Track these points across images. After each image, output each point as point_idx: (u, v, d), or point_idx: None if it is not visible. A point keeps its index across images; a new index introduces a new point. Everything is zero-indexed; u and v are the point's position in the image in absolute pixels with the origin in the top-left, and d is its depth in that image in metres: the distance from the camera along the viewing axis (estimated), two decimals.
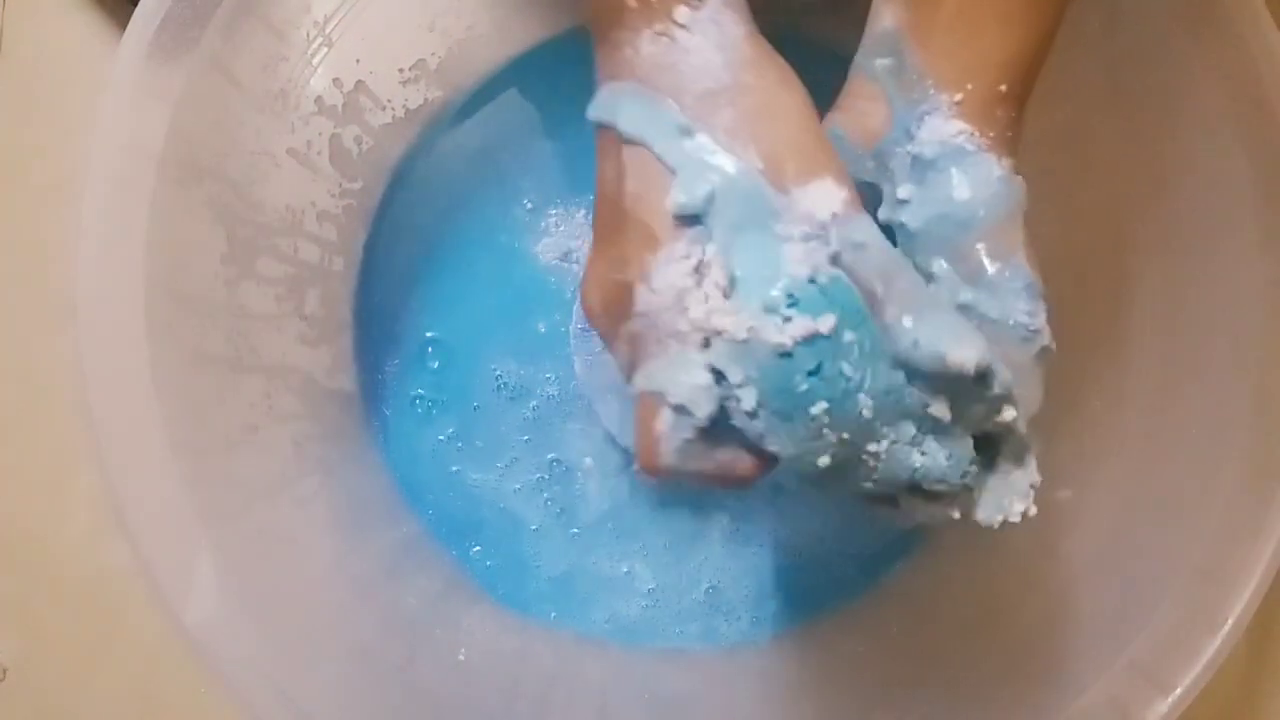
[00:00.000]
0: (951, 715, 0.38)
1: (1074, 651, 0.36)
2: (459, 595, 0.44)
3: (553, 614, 0.45)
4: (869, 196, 0.31)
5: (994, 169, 0.29)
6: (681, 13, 0.27)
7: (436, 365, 0.46)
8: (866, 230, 0.27)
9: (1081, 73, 0.38)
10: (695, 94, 0.27)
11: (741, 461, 0.28)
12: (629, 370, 0.29)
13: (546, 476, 0.45)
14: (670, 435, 0.27)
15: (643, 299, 0.27)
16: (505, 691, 0.41)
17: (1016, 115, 0.29)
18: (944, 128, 0.29)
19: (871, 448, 0.27)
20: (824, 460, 0.27)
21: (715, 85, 0.26)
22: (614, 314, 0.28)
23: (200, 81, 0.35)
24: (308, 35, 0.39)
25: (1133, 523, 0.38)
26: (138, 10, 0.33)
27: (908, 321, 0.26)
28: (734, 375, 0.26)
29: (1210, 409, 0.36)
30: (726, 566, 0.45)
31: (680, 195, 0.26)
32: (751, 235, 0.26)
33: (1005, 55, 0.29)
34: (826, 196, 0.26)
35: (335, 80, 0.41)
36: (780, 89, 0.27)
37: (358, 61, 0.42)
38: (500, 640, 0.44)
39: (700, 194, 0.26)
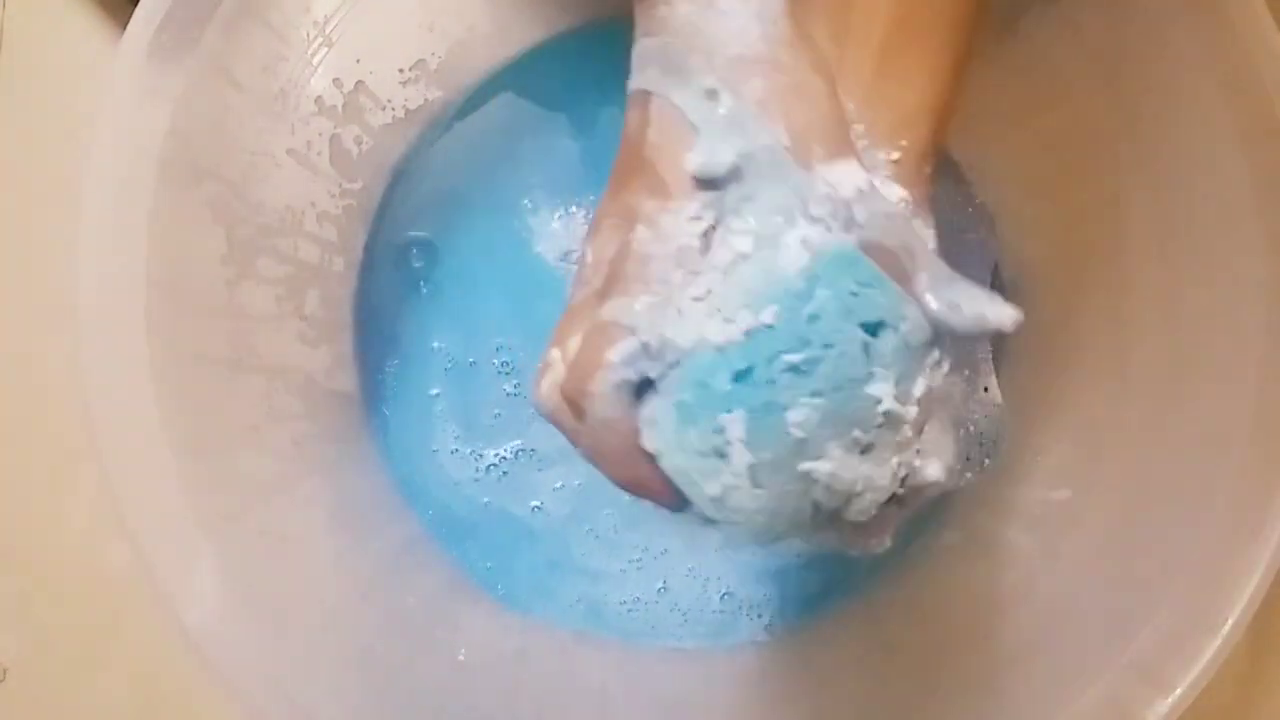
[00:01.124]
0: (951, 715, 0.38)
1: (1074, 651, 0.36)
2: (459, 595, 0.44)
3: (553, 614, 0.45)
4: None
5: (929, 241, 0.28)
6: None
7: (437, 365, 0.46)
8: (890, 207, 0.26)
9: (1081, 73, 0.38)
10: (727, 57, 0.26)
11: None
12: (597, 298, 0.27)
13: (547, 476, 0.45)
14: (617, 367, 0.25)
15: (641, 239, 0.26)
16: (505, 691, 0.41)
17: (934, 171, 0.28)
18: (880, 194, 0.27)
19: (805, 466, 0.25)
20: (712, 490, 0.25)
21: (749, 53, 0.26)
22: (608, 256, 0.28)
23: (200, 81, 0.35)
24: (308, 35, 0.39)
25: (1133, 523, 0.38)
26: (138, 10, 0.33)
27: (940, 289, 0.26)
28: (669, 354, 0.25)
29: (1210, 409, 0.36)
30: (727, 566, 0.45)
31: (700, 156, 0.25)
32: (764, 213, 0.25)
33: (937, 101, 0.28)
34: (851, 176, 0.26)
35: (335, 80, 0.41)
36: (813, 73, 0.27)
37: (358, 61, 0.42)
38: (500, 640, 0.44)
39: (722, 160, 0.25)
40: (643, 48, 0.27)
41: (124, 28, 0.33)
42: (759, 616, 0.45)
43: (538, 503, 0.45)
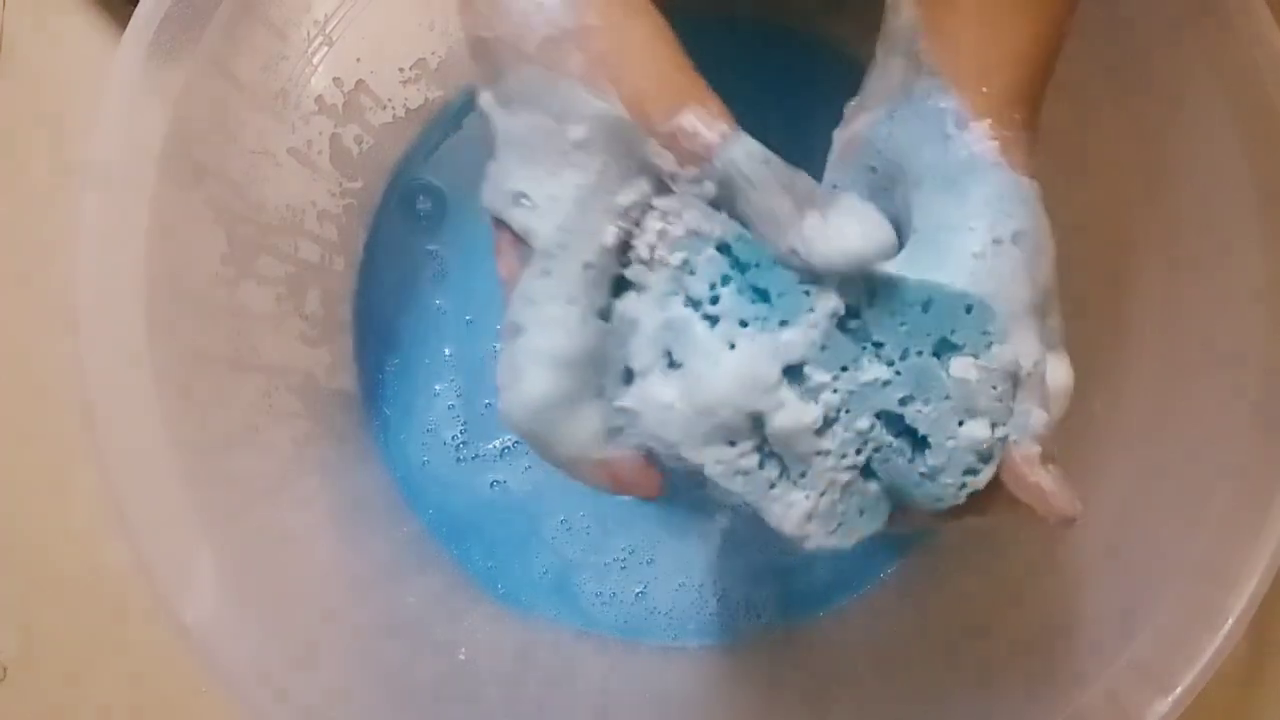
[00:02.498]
0: (952, 715, 0.38)
1: (1074, 651, 0.36)
2: (459, 595, 0.44)
3: (553, 613, 0.45)
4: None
5: (1014, 183, 0.27)
6: None
7: (437, 365, 0.46)
8: (751, 148, 0.25)
9: (1081, 72, 0.38)
10: (537, 43, 0.25)
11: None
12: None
13: (547, 476, 0.45)
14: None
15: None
16: (505, 690, 0.41)
17: (1032, 116, 0.28)
18: (960, 135, 0.27)
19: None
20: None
21: (556, 31, 0.25)
22: None
23: (200, 81, 0.34)
24: (308, 35, 0.39)
25: (1133, 522, 0.38)
26: (138, 10, 0.33)
27: (822, 218, 0.25)
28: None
29: (1210, 409, 0.36)
30: (727, 566, 0.45)
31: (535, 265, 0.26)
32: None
33: (1025, 48, 0.27)
34: (702, 127, 0.25)
35: (335, 80, 0.41)
36: (628, 23, 0.25)
37: (358, 61, 0.42)
38: (500, 639, 0.44)
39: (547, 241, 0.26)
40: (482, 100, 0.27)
41: (124, 28, 0.32)
42: (759, 617, 0.45)
43: (538, 502, 0.45)
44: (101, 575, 0.46)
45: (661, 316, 0.26)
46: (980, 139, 0.27)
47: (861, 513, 0.27)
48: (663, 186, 0.26)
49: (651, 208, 0.26)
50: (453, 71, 0.45)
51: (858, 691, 0.41)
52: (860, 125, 0.30)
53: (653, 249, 0.26)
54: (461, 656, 0.41)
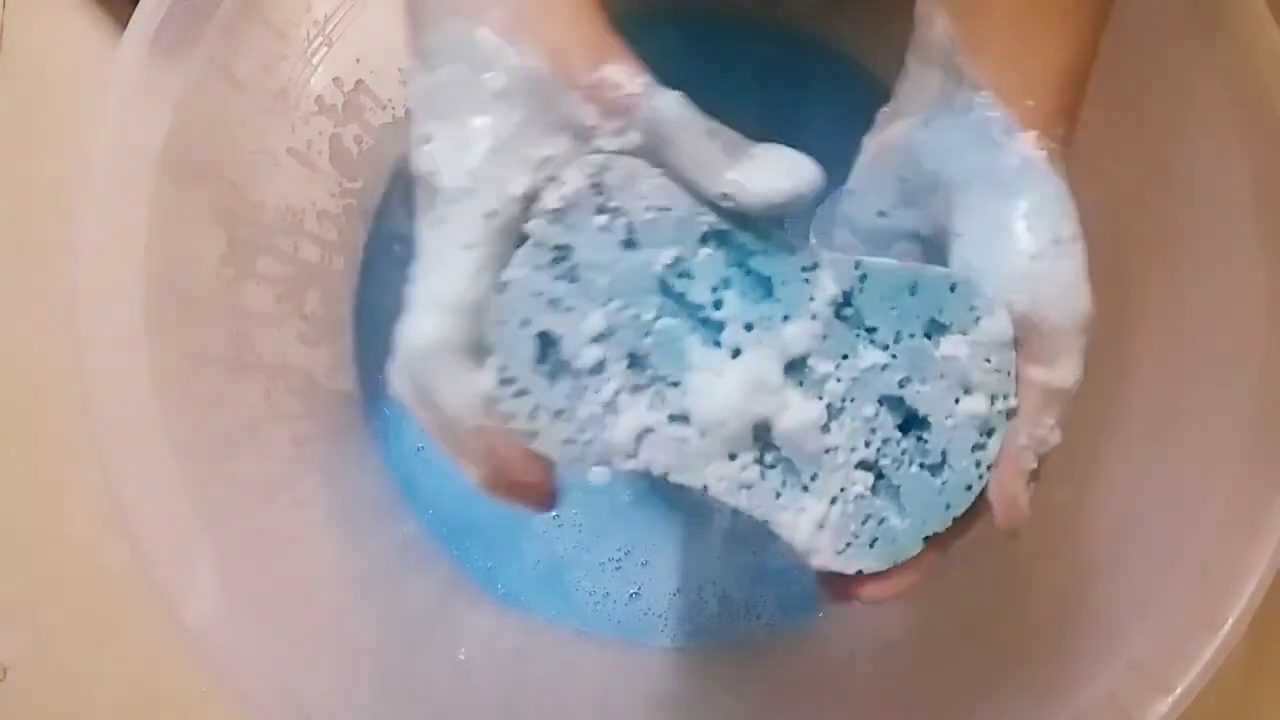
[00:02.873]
0: (951, 714, 0.38)
1: (1074, 651, 0.36)
2: (459, 595, 0.44)
3: (553, 613, 0.45)
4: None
5: (1065, 192, 0.27)
6: None
7: None
8: (675, 97, 0.25)
9: None
10: None
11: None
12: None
13: None
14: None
15: None
16: (505, 690, 0.41)
17: (1070, 133, 0.28)
18: (1010, 143, 0.27)
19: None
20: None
21: None
22: None
23: (200, 81, 0.34)
24: (308, 35, 0.39)
25: (1132, 523, 0.38)
26: (138, 10, 0.33)
27: (751, 160, 0.25)
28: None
29: (1210, 409, 0.36)
30: (726, 566, 0.45)
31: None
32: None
33: (1068, 64, 0.27)
34: (625, 78, 0.25)
35: (335, 80, 0.41)
36: None
37: (358, 61, 0.42)
38: (500, 639, 0.44)
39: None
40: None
41: (124, 28, 0.32)
42: (758, 617, 0.45)
43: None
44: (101, 575, 0.46)
45: (622, 316, 0.25)
46: (1031, 147, 0.27)
47: (873, 543, 0.27)
48: (582, 141, 0.26)
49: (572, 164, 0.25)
50: None
51: (857, 692, 0.41)
52: (895, 132, 0.30)
53: (567, 203, 0.25)
54: (461, 656, 0.41)
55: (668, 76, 0.26)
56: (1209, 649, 0.32)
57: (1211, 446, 0.36)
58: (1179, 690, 0.32)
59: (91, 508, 0.47)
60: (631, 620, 0.45)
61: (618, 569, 0.45)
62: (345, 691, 0.36)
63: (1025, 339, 0.27)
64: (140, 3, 0.33)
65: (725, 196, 0.25)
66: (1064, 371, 0.26)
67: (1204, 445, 0.36)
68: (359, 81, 0.42)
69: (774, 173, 0.25)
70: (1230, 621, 0.32)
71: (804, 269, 0.26)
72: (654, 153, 0.25)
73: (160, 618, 0.32)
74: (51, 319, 0.47)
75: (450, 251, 0.25)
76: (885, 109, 0.31)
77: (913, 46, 0.30)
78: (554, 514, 0.45)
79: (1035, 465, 0.27)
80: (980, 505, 0.27)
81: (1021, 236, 0.27)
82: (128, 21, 0.33)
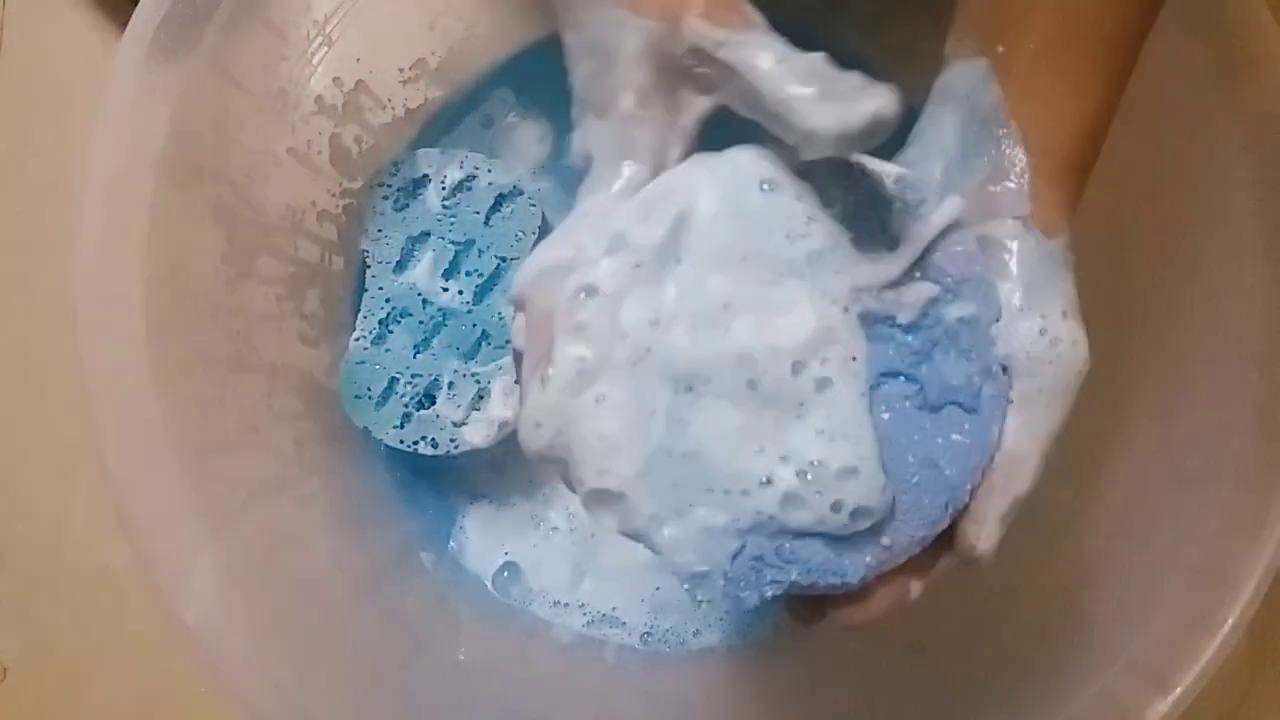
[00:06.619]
0: (951, 714, 0.38)
1: (1074, 651, 0.36)
2: (459, 595, 0.44)
3: (553, 613, 0.45)
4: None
5: (1055, 254, 0.27)
6: None
7: None
8: (759, 46, 0.26)
9: None
10: None
11: None
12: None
13: (547, 475, 0.45)
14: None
15: None
16: (505, 691, 0.42)
17: (1077, 188, 0.28)
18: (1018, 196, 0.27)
19: None
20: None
21: None
22: None
23: (200, 81, 0.35)
24: (308, 35, 0.39)
25: (1132, 523, 0.38)
26: (138, 10, 0.33)
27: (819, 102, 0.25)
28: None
29: (1210, 409, 0.36)
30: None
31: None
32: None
33: (1085, 120, 0.28)
34: (709, 28, 0.26)
35: (335, 79, 0.41)
36: None
37: (358, 61, 0.42)
38: (500, 640, 0.44)
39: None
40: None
41: (124, 28, 0.33)
42: (758, 617, 0.45)
43: (539, 502, 0.45)
44: (101, 575, 0.46)
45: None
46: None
47: None
48: (704, 92, 0.28)
49: None
50: (452, 71, 0.45)
51: (858, 692, 0.41)
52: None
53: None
54: (461, 657, 0.41)
55: None
56: (1209, 649, 0.32)
57: (1211, 446, 0.36)
58: (1179, 690, 0.32)
59: (91, 508, 0.47)
60: (632, 620, 0.45)
61: (621, 570, 0.45)
62: (344, 691, 0.36)
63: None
64: (140, 3, 0.33)
65: (806, 133, 0.25)
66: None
67: (1204, 445, 0.36)
68: (359, 81, 0.42)
69: (847, 107, 0.25)
70: (1230, 621, 0.32)
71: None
72: (746, 98, 0.26)
73: (160, 618, 0.32)
74: (51, 319, 0.47)
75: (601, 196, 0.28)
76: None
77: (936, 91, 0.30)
78: (559, 516, 0.45)
79: (1009, 511, 0.27)
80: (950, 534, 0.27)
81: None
82: (128, 21, 0.33)
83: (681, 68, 0.27)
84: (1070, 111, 0.28)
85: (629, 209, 0.26)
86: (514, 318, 0.28)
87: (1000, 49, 0.28)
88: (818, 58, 0.26)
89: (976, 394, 0.27)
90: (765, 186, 0.27)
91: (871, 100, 0.24)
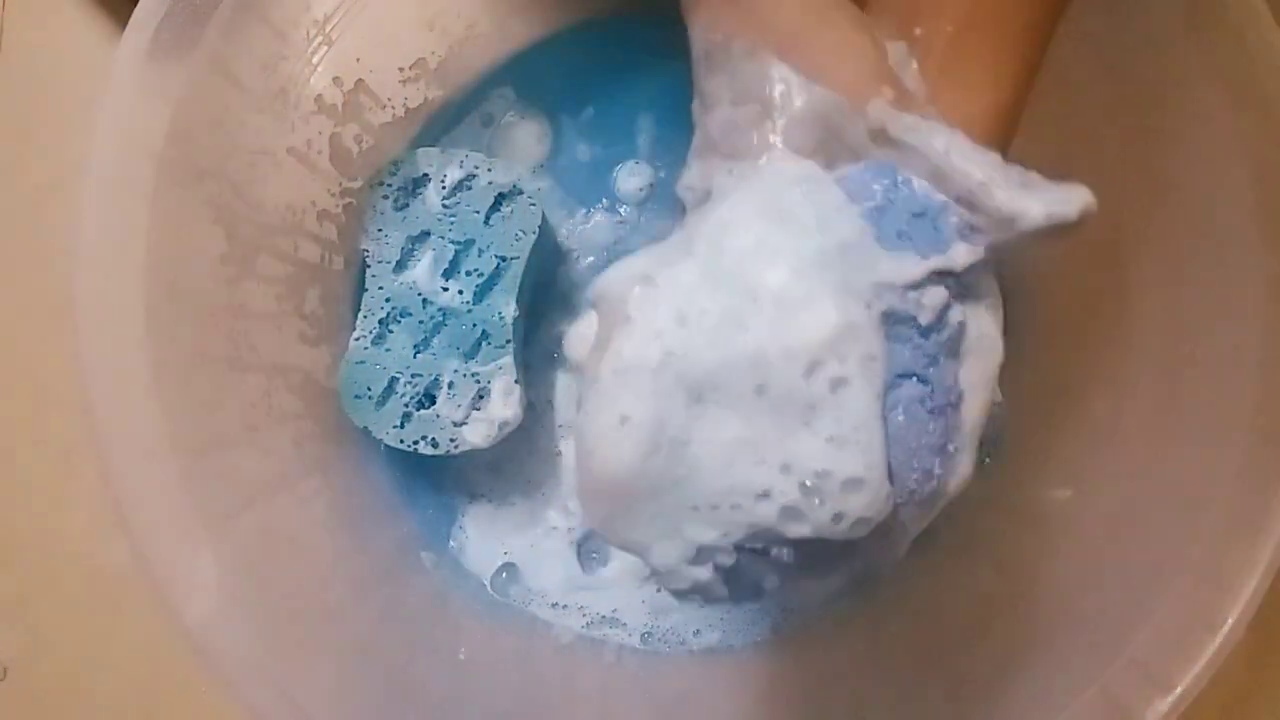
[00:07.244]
0: (951, 715, 0.38)
1: (1074, 651, 0.36)
2: (459, 595, 0.44)
3: (553, 614, 0.45)
4: None
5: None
6: None
7: None
8: (942, 135, 0.26)
9: (1081, 73, 0.38)
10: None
11: None
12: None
13: (548, 475, 0.45)
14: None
15: None
16: (505, 691, 0.42)
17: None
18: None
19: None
20: None
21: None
22: None
23: (200, 81, 0.34)
24: (308, 34, 0.39)
25: (1132, 522, 0.38)
26: (138, 10, 0.33)
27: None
28: None
29: (1210, 409, 0.36)
30: None
31: None
32: None
33: (1001, 105, 0.28)
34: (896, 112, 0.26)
35: (335, 79, 0.41)
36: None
37: (358, 60, 0.42)
38: (500, 640, 0.44)
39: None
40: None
41: (124, 27, 0.33)
42: (758, 617, 0.45)
43: (539, 502, 0.45)
44: (101, 575, 0.46)
45: None
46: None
47: None
48: (860, 158, 0.28)
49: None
50: (453, 71, 0.45)
51: (857, 692, 0.41)
52: None
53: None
54: (461, 657, 0.41)
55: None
56: (1209, 648, 0.32)
57: (1211, 446, 0.36)
58: (1179, 690, 0.32)
59: (91, 507, 0.47)
60: (633, 621, 0.45)
61: (621, 570, 0.45)
62: (345, 691, 0.36)
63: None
64: (140, 2, 0.33)
65: (1006, 216, 0.26)
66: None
67: (1204, 445, 0.36)
68: (359, 81, 0.42)
69: (1055, 196, 0.26)
70: (1230, 621, 0.32)
71: None
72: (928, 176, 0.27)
73: (160, 618, 0.32)
74: (51, 319, 0.47)
75: None
76: None
77: None
78: (558, 518, 0.45)
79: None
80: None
81: None
82: (128, 21, 0.33)
83: (842, 136, 0.27)
84: (987, 92, 0.28)
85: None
86: (575, 325, 0.29)
87: (918, 31, 0.28)
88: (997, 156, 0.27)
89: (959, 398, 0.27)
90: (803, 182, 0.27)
91: (1079, 195, 0.26)
